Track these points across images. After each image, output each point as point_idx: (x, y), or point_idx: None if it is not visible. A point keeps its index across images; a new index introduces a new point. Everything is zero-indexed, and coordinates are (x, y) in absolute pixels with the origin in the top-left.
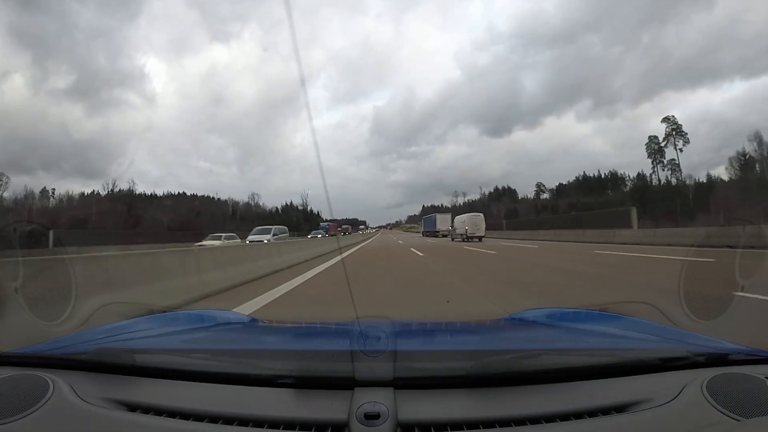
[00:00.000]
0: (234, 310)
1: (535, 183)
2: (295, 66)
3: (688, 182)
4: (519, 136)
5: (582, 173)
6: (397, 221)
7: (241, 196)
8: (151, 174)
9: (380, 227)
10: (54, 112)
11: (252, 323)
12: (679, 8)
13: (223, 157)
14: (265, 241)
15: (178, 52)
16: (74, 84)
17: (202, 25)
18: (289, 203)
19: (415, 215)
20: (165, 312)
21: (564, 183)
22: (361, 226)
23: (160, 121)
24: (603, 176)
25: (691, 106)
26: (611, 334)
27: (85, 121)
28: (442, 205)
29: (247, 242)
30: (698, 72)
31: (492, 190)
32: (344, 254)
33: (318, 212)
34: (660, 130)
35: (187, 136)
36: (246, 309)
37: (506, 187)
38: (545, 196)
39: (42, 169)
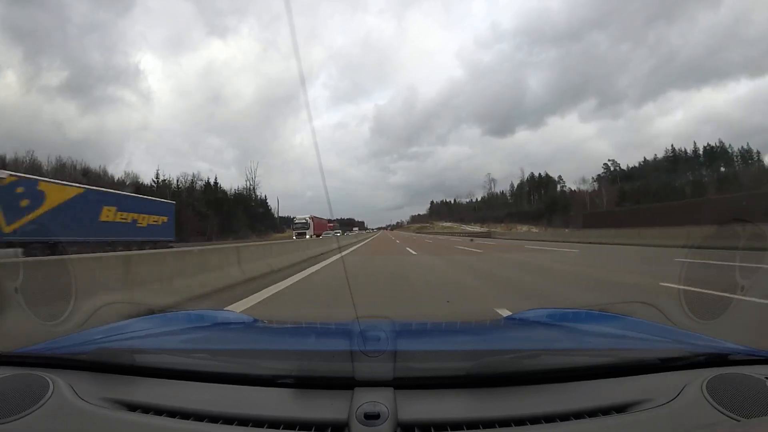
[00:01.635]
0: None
1: (602, 163)
2: (295, 64)
3: None
4: (522, 136)
5: (669, 147)
6: (398, 222)
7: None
8: (150, 175)
9: (380, 228)
10: (47, 110)
11: (252, 323)
12: (686, 5)
13: (222, 158)
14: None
15: (174, 48)
16: (68, 81)
17: (199, 21)
18: (195, 178)
19: (420, 215)
20: (165, 312)
21: (635, 166)
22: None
23: (157, 120)
24: (700, 150)
25: (696, 105)
26: (611, 334)
27: (79, 120)
28: (455, 200)
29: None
30: (704, 71)
31: (528, 177)
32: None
33: (265, 197)
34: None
35: (185, 136)
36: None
37: (544, 174)
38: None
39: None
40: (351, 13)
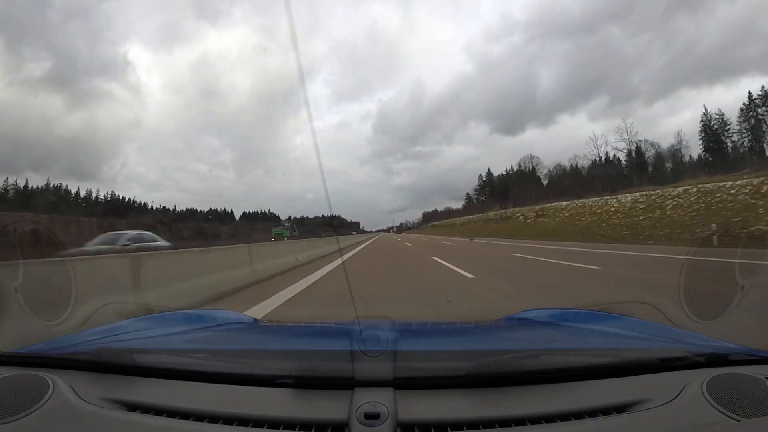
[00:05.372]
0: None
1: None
2: (295, 60)
3: None
4: (532, 134)
5: None
6: (402, 223)
7: (240, 199)
8: (147, 177)
9: (380, 231)
10: (36, 108)
11: (252, 323)
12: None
13: (221, 159)
14: None
15: (165, 38)
16: (52, 72)
17: (192, 13)
18: None
19: (435, 211)
20: (164, 312)
21: None
22: None
23: (154, 121)
24: None
25: (708, 103)
26: (611, 334)
27: (73, 119)
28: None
29: None
30: (719, 68)
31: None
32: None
33: None
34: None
35: (182, 137)
36: None
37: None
38: None
39: (30, 170)
40: (354, 3)
